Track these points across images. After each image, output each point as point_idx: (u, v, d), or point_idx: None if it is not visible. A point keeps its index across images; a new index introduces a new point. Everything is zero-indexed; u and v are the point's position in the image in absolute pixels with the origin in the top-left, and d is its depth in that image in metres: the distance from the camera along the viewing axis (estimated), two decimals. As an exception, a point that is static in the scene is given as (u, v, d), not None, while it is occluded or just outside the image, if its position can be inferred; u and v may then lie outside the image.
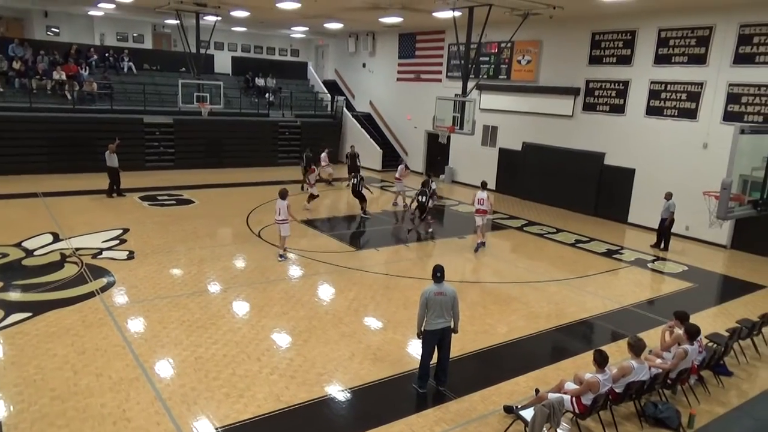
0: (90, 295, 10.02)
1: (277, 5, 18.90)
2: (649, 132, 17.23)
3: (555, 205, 19.99)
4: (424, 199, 15.06)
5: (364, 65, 29.43)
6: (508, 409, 6.98)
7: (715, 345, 8.50)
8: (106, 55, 25.37)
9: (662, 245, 15.30)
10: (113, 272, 11.15)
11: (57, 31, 26.67)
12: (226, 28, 28.95)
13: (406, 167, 19.83)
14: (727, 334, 8.81)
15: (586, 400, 6.53)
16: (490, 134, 22.41)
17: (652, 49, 16.96)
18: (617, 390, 6.82)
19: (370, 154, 25.58)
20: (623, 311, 10.93)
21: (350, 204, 18.80)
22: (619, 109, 17.98)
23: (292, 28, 28.40)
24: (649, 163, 17.25)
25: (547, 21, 17.89)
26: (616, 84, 17.98)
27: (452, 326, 7.48)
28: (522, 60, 20.86)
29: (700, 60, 15.86)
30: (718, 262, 14.72)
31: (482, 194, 14.40)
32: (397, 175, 19.19)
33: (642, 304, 11.40)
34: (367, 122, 28.16)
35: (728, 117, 15.31)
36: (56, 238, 13.15)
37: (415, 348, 8.41)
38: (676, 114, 16.55)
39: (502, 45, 20.36)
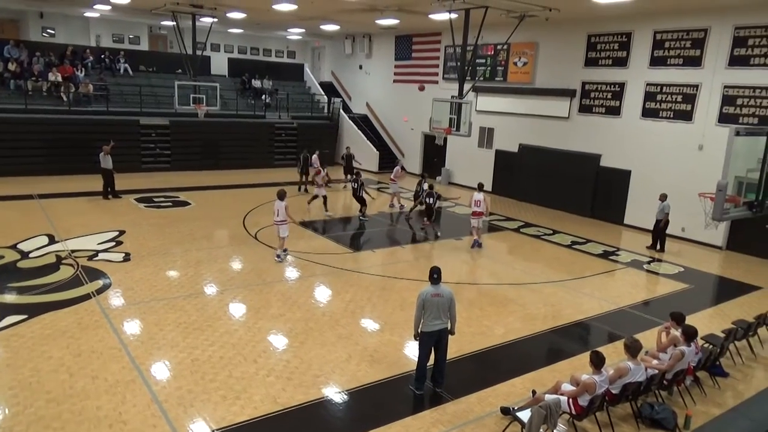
0: (86, 297, 9.98)
1: (273, 7, 18.91)
2: (644, 134, 17.28)
3: (551, 207, 20.03)
4: (431, 201, 15.08)
5: (360, 67, 29.45)
6: (505, 411, 6.99)
7: (710, 346, 8.54)
8: (102, 56, 25.33)
9: (658, 246, 15.34)
10: (109, 274, 11.12)
11: (53, 32, 26.61)
12: (223, 29, 28.94)
13: (402, 169, 19.84)
14: (722, 335, 8.84)
15: (583, 401, 6.54)
16: (486, 136, 22.45)
17: (647, 51, 17.03)
18: (614, 391, 6.83)
19: (367, 156, 25.58)
20: (619, 312, 10.95)
21: (347, 206, 18.83)
22: (615, 111, 18.04)
23: (289, 30, 28.41)
24: (644, 165, 17.30)
25: (543, 23, 17.94)
26: (612, 86, 18.03)
27: (449, 328, 7.48)
28: (518, 62, 20.91)
29: (695, 62, 15.93)
30: (714, 264, 14.77)
31: (479, 196, 14.61)
32: (392, 176, 19.22)
33: (638, 305, 11.42)
34: (364, 124, 28.17)
35: (723, 119, 15.38)
36: (52, 240, 13.11)
37: (411, 350, 8.41)
38: (671, 116, 16.61)
39: (499, 47, 20.40)
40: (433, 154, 24.84)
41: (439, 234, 15.66)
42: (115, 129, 21.45)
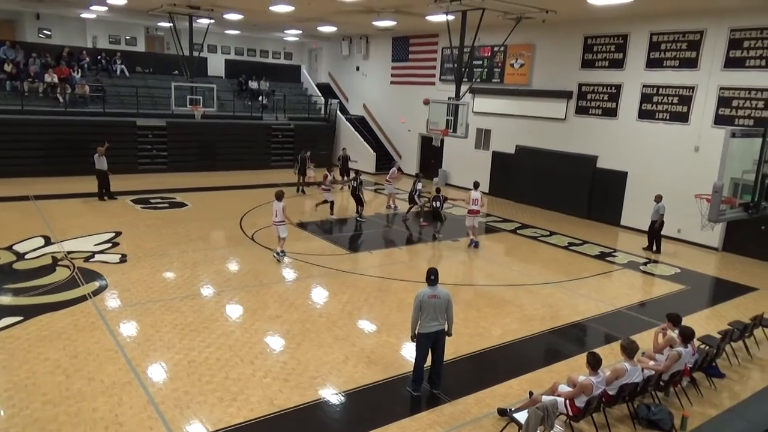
0: (82, 298, 9.95)
1: (270, 8, 18.90)
2: (641, 135, 17.33)
3: (548, 208, 20.06)
4: (438, 205, 15.10)
5: (357, 68, 29.46)
6: (502, 412, 6.99)
7: (707, 347, 8.55)
8: (99, 57, 25.28)
9: (654, 248, 15.38)
10: (105, 275, 11.09)
11: (49, 33, 26.53)
12: (220, 30, 28.92)
13: (399, 170, 19.82)
14: (719, 336, 8.86)
15: (580, 402, 6.54)
16: (483, 137, 22.47)
17: (643, 53, 17.08)
18: (610, 392, 6.84)
19: (364, 157, 25.58)
20: (616, 313, 10.97)
21: (344, 207, 18.82)
22: (611, 113, 18.08)
23: (286, 31, 28.42)
24: (641, 166, 17.34)
25: (539, 25, 17.98)
26: (609, 87, 18.08)
27: (446, 329, 7.48)
28: (515, 63, 20.95)
29: (691, 64, 15.98)
30: (710, 265, 14.81)
31: (476, 194, 14.84)
32: (387, 177, 19.22)
33: (635, 306, 11.44)
34: (361, 125, 28.18)
35: (719, 120, 15.43)
36: (48, 242, 13.06)
37: (408, 351, 8.41)
38: (667, 117, 16.66)
39: (495, 48, 20.45)
40: (430, 156, 24.87)
41: (439, 235, 15.64)
42: (111, 130, 21.40)
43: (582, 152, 18.92)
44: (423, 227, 16.73)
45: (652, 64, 16.91)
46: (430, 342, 7.38)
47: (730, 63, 15.18)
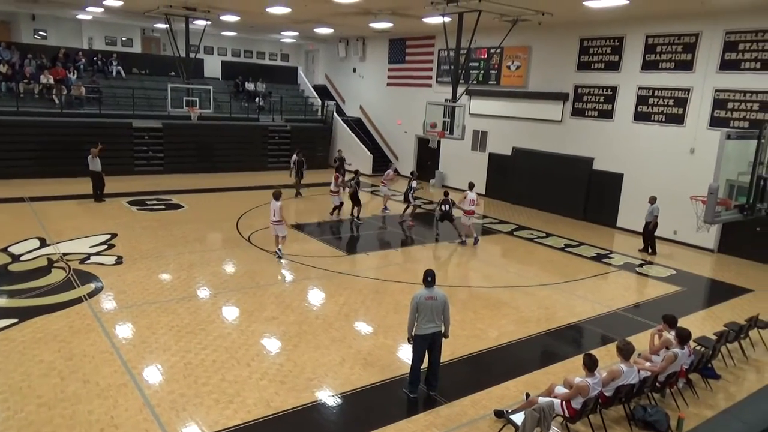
0: (77, 300, 9.92)
1: (267, 10, 18.90)
2: (637, 137, 17.38)
3: (544, 210, 20.09)
4: (447, 208, 15.12)
5: (354, 70, 29.47)
6: (499, 414, 6.99)
7: (703, 348, 8.57)
8: (95, 59, 25.23)
9: (650, 249, 15.42)
10: (101, 277, 11.05)
11: (45, 34, 26.46)
12: (216, 32, 28.88)
13: (395, 171, 19.79)
14: (714, 337, 8.89)
15: (576, 403, 6.55)
16: (480, 139, 22.50)
17: (639, 55, 17.14)
18: (607, 394, 6.85)
19: (361, 159, 25.59)
20: (612, 315, 10.98)
21: (342, 208, 18.79)
22: (607, 115, 18.14)
23: (282, 33, 28.41)
24: (637, 168, 17.39)
25: (536, 27, 18.02)
26: (605, 89, 18.13)
27: (443, 331, 7.48)
28: (511, 65, 20.99)
29: (686, 66, 16.05)
30: (706, 266, 14.85)
31: (472, 195, 15.12)
32: (382, 179, 19.23)
33: (631, 307, 11.47)
34: (358, 127, 28.19)
35: (715, 122, 15.49)
36: (43, 243, 13.02)
37: (405, 353, 8.40)
38: (663, 119, 16.71)
39: (492, 50, 20.50)
40: (427, 157, 24.89)
41: (437, 236, 15.66)
42: (107, 132, 21.37)
43: (578, 154, 18.96)
44: (411, 227, 16.75)
45: (648, 66, 16.97)
46: (426, 344, 7.37)
47: (726, 65, 15.25)
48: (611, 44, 17.84)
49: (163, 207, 17.63)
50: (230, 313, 9.90)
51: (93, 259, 12.19)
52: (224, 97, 26.17)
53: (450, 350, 8.46)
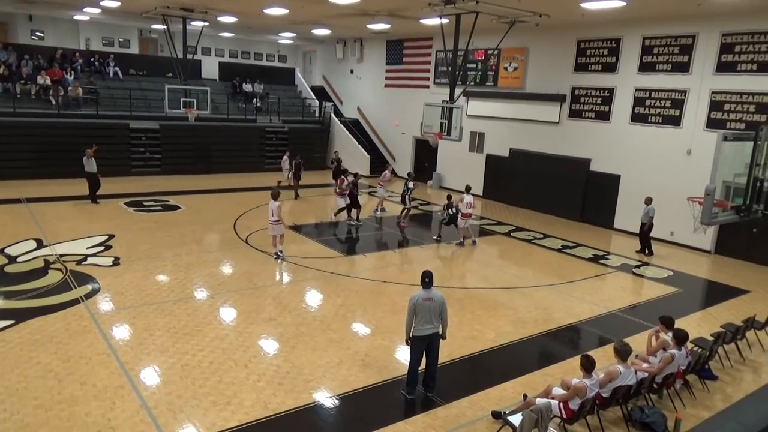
0: (74, 302, 9.89)
1: (264, 11, 18.90)
2: (634, 138, 17.42)
3: (542, 211, 20.11)
4: (453, 212, 15.16)
5: (351, 71, 29.49)
6: (496, 415, 6.99)
7: (700, 349, 8.59)
8: (92, 59, 25.20)
9: (647, 251, 15.45)
10: (98, 279, 11.02)
11: (42, 35, 26.41)
12: (214, 33, 28.87)
13: (392, 173, 19.80)
14: (711, 338, 8.91)
15: (574, 405, 6.56)
16: (477, 140, 22.53)
17: (636, 57, 17.18)
18: (604, 395, 6.85)
19: (358, 160, 25.59)
20: (610, 316, 11.00)
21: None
22: (604, 116, 18.17)
23: (280, 34, 28.41)
24: (634, 170, 17.43)
25: (533, 28, 18.06)
26: (602, 91, 18.17)
27: (440, 332, 7.48)
28: (509, 67, 21.03)
29: (683, 68, 16.09)
30: (703, 267, 14.89)
31: (469, 198, 15.21)
32: (379, 180, 19.23)
33: (628, 308, 11.48)
34: (355, 128, 28.20)
35: (711, 124, 15.54)
36: (40, 245, 12.98)
37: (403, 354, 8.40)
38: (660, 121, 16.75)
39: (489, 52, 20.53)
40: (425, 158, 24.91)
41: (439, 238, 15.65)
42: (104, 132, 21.35)
43: (575, 155, 18.99)
44: (404, 228, 16.75)
45: (645, 67, 17.01)
46: (424, 345, 7.37)
47: (722, 67, 15.30)
48: (608, 46, 17.88)
49: (160, 208, 17.60)
50: (228, 314, 9.88)
51: (90, 260, 12.16)
52: (221, 98, 26.16)
53: (447, 351, 8.46)
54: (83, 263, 11.92)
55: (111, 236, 13.96)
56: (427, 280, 7.32)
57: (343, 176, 17.73)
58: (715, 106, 15.51)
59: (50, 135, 20.64)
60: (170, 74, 24.49)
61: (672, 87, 16.37)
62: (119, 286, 10.73)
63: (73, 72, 23.64)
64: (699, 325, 10.58)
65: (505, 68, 21.16)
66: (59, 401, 6.84)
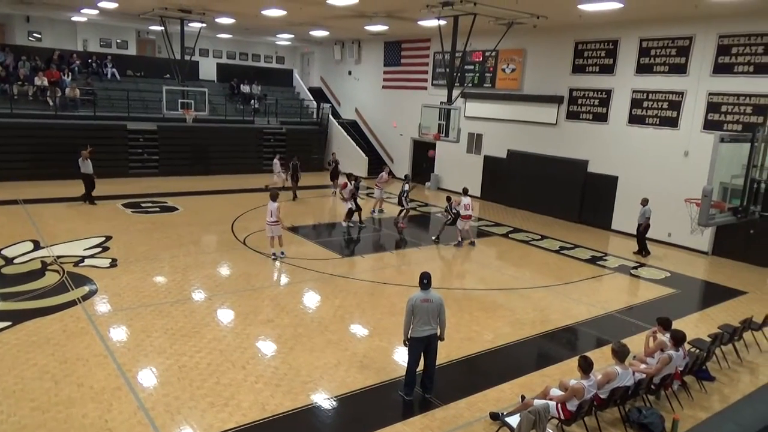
0: (71, 303, 9.87)
1: (262, 12, 18.90)
2: (631, 140, 17.45)
3: (539, 213, 20.13)
4: (456, 212, 15.19)
5: (349, 73, 29.50)
6: (494, 416, 6.99)
7: (697, 350, 8.60)
8: (90, 61, 25.17)
9: (644, 252, 15.47)
10: (95, 280, 11.00)
11: (39, 36, 26.38)
12: (211, 34, 28.86)
13: (389, 174, 19.80)
14: (709, 339, 8.93)
15: (572, 406, 6.56)
16: (475, 142, 22.55)
17: (633, 59, 17.22)
18: (602, 396, 6.86)
19: (356, 161, 25.59)
20: (607, 317, 11.01)
21: (336, 211, 18.78)
22: (602, 118, 18.20)
23: (278, 36, 28.41)
24: (631, 171, 17.46)
25: (531, 30, 18.09)
26: (599, 93, 18.21)
27: (438, 333, 7.48)
28: (506, 68, 21.05)
29: (680, 69, 16.13)
30: (700, 269, 14.92)
31: (467, 200, 15.24)
32: (376, 182, 19.21)
33: (625, 310, 11.49)
34: (353, 129, 28.21)
35: (708, 125, 15.57)
36: (37, 246, 12.95)
37: (401, 355, 8.40)
38: (657, 122, 16.79)
39: (487, 53, 20.56)
40: (422, 160, 24.89)
41: (437, 239, 15.66)
42: (102, 134, 21.32)
43: (573, 157, 19.02)
44: (401, 229, 16.74)
45: (642, 69, 17.05)
46: (422, 346, 7.37)
47: (719, 69, 15.34)
48: (606, 47, 17.92)
49: (158, 209, 17.57)
50: (225, 315, 9.87)
51: (87, 261, 12.14)
52: (219, 100, 26.13)
53: (445, 353, 8.46)
54: (80, 265, 11.90)
55: (108, 238, 13.94)
56: (425, 281, 7.32)
57: (346, 182, 17.70)
58: (712, 107, 15.55)
59: (47, 136, 20.61)
60: (168, 75, 24.49)
61: (669, 88, 16.41)
62: (116, 288, 10.71)
63: (70, 73, 23.61)
64: (696, 326, 10.60)
65: (503, 70, 21.18)
66: (56, 403, 6.82)
